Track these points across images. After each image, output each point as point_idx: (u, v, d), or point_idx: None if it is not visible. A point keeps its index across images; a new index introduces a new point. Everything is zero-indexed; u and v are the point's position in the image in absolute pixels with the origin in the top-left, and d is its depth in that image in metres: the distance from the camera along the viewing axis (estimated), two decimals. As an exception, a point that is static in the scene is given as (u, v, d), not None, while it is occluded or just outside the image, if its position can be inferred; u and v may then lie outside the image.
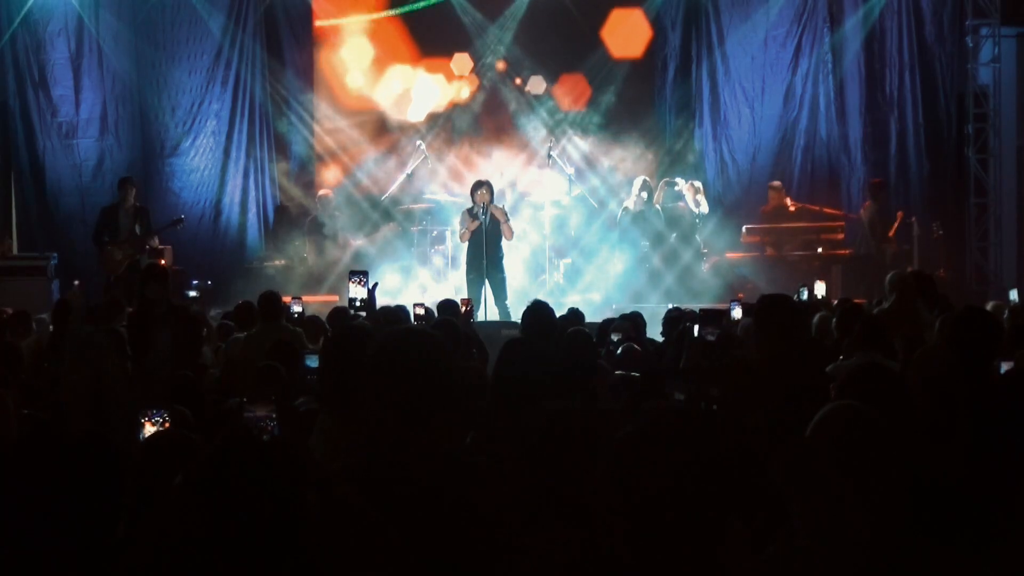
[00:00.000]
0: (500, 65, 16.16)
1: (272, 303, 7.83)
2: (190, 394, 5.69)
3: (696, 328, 4.59)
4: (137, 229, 12.90)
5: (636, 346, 6.97)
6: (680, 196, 14.46)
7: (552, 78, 16.12)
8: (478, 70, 16.15)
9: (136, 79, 15.46)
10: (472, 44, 16.11)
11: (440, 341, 2.92)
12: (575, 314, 8.59)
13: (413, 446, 2.80)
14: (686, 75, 16.13)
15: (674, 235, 14.15)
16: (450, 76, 16.17)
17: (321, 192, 15.28)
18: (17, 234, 15.29)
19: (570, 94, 16.25)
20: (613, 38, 16.17)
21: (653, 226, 14.09)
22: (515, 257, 13.61)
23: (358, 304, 5.80)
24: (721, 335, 4.49)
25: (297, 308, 8.96)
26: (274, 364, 5.86)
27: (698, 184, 14.64)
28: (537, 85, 16.13)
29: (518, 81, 16.15)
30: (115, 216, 12.95)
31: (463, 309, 7.78)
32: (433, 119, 16.15)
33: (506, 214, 12.40)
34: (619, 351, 7.10)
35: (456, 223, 13.22)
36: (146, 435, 3.94)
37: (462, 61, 16.16)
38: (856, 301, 9.80)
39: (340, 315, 7.99)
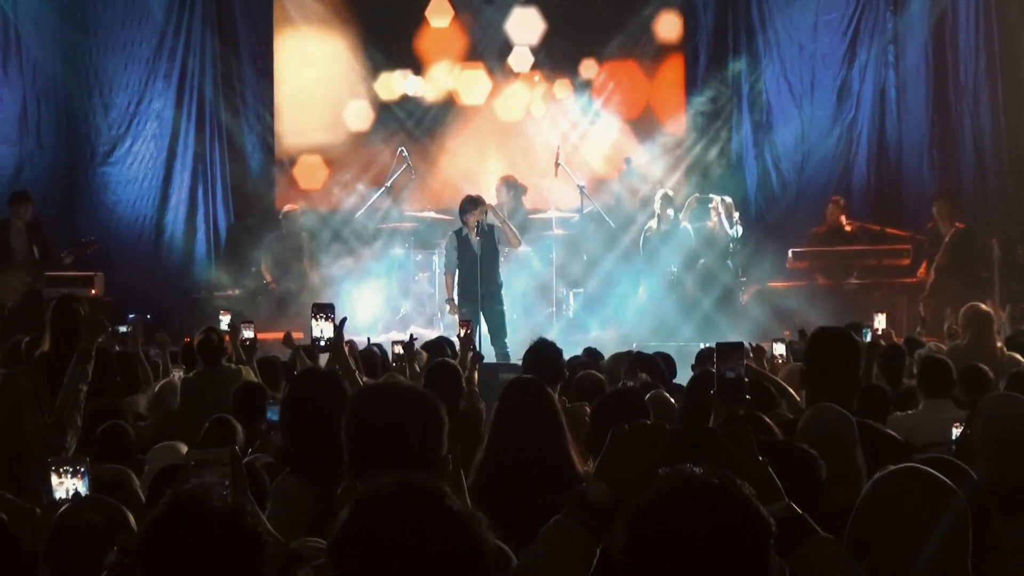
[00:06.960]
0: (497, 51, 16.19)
1: (210, 343, 7.98)
2: (118, 449, 5.75)
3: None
4: (35, 251, 12.80)
5: (667, 393, 6.97)
6: (710, 215, 14.49)
7: (570, 66, 16.18)
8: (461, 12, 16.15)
9: (62, 73, 15.53)
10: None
11: (435, 403, 2.91)
12: (590, 355, 8.61)
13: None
14: (720, 67, 16.20)
15: (701, 260, 14.18)
16: (424, 68, 16.20)
17: (286, 208, 15.15)
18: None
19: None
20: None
21: (683, 248, 14.09)
22: (517, 286, 13.61)
23: (323, 344, 5.76)
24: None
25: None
26: (226, 417, 5.89)
27: (729, 200, 14.65)
28: (522, 58, 16.12)
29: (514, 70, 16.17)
30: (5, 237, 12.86)
31: (463, 332, 7.80)
32: (416, 116, 16.16)
33: (504, 219, 12.47)
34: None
35: (443, 247, 13.17)
36: (61, 495, 3.79)
37: (441, 7, 16.15)
38: (925, 339, 9.86)
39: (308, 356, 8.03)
